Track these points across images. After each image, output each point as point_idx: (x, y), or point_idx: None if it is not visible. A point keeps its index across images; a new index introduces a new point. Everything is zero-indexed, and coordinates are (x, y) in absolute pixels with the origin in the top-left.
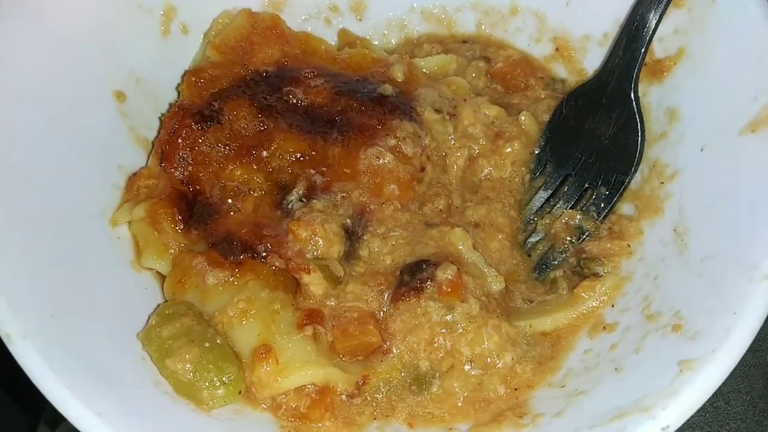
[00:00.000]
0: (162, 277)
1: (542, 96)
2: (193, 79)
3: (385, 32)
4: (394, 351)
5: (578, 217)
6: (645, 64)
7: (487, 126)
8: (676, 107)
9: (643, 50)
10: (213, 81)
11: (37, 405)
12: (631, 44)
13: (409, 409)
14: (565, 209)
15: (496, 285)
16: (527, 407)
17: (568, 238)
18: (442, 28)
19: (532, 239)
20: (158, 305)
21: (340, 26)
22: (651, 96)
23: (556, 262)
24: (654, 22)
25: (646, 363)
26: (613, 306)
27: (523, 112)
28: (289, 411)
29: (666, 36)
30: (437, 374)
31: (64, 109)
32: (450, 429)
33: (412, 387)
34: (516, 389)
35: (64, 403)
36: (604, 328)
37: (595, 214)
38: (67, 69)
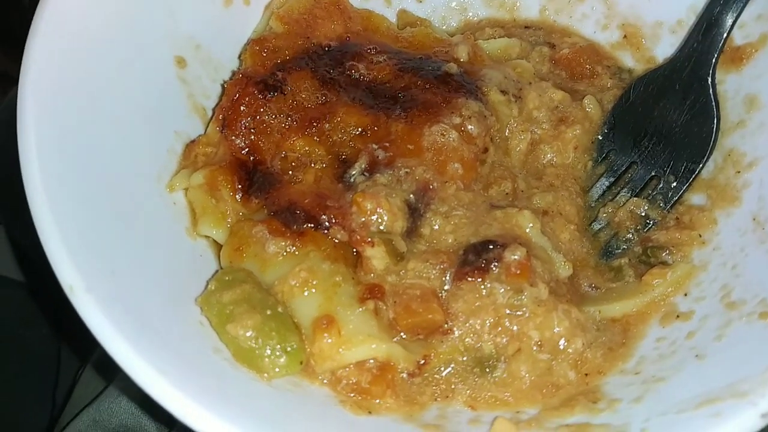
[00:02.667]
0: (217, 246)
1: (609, 85)
2: (257, 48)
3: (444, 15)
4: (456, 332)
5: (644, 205)
6: (722, 51)
7: (551, 110)
8: (756, 95)
9: (724, 36)
10: (276, 52)
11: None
12: (711, 30)
13: (470, 391)
14: (630, 197)
15: (564, 271)
16: (600, 393)
17: (632, 227)
18: (504, 12)
19: (595, 226)
20: (216, 271)
21: (400, 7)
22: (728, 84)
23: (619, 251)
24: (738, 7)
25: (732, 350)
26: (686, 295)
27: (588, 96)
28: (349, 386)
29: (747, 22)
30: (502, 358)
31: (125, 68)
32: (517, 412)
33: (474, 369)
34: (587, 375)
35: (127, 358)
36: (678, 316)
37: (662, 204)
38: (129, 28)
